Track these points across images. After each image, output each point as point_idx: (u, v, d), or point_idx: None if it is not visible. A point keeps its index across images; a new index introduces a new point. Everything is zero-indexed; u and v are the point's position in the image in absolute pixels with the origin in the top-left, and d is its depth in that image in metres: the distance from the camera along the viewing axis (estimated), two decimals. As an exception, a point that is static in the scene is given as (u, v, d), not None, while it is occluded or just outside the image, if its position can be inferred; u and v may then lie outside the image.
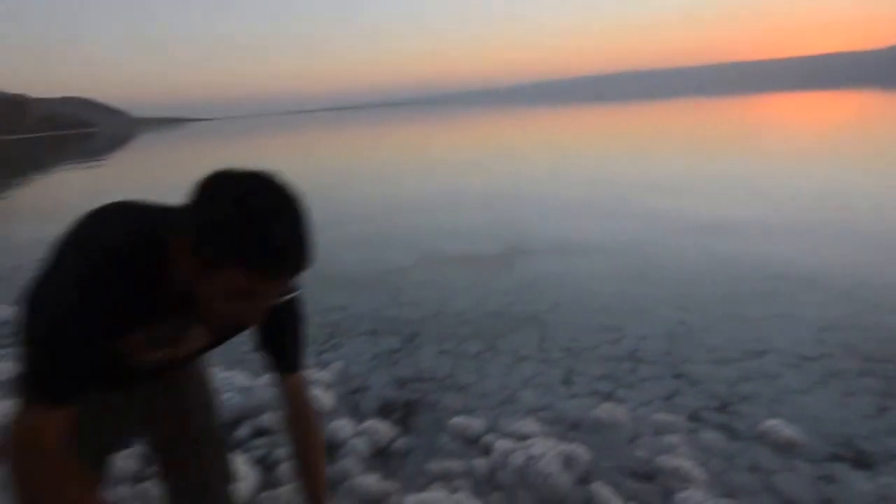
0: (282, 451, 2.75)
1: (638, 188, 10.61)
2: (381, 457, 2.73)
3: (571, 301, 4.82)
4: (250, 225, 0.87)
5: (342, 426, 2.92)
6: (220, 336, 1.21)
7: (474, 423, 2.91)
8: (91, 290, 0.94)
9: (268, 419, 3.04)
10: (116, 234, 1.00)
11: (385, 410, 3.19)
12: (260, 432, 2.96)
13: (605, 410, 2.96)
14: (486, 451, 2.66)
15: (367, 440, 2.81)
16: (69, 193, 18.40)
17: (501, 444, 2.61)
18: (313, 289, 4.83)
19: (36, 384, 0.95)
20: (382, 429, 2.90)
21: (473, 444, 2.78)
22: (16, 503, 0.93)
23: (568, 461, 2.47)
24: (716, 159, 14.53)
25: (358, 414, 3.14)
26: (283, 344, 1.25)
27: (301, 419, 1.26)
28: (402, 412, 3.16)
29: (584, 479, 2.43)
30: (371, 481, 2.44)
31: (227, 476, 1.50)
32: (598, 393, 3.25)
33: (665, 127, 29.56)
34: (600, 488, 2.30)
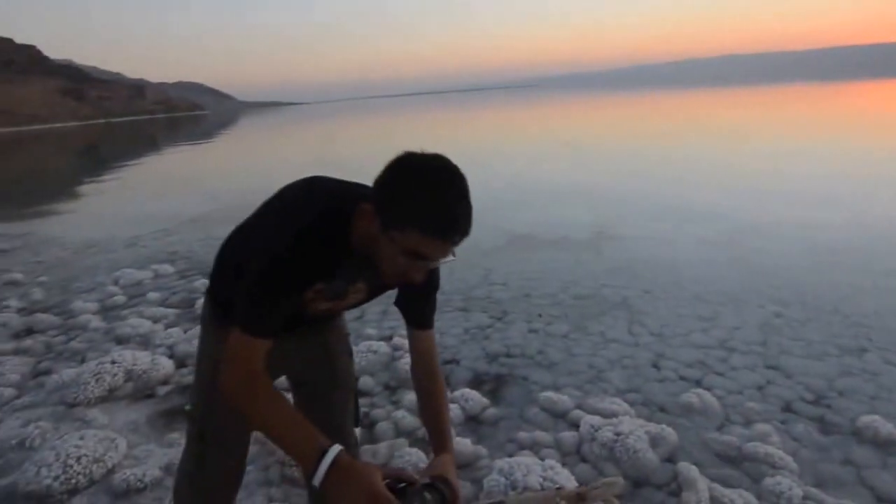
0: (380, 412, 3.00)
1: (739, 174, 10.17)
2: (473, 423, 2.92)
3: (663, 288, 4.80)
4: (429, 193, 1.04)
5: (436, 393, 3.12)
6: (375, 292, 1.40)
7: (562, 399, 3.03)
8: (304, 243, 1.13)
9: (363, 382, 3.30)
10: (320, 200, 1.22)
11: (476, 382, 3.37)
12: (360, 394, 3.23)
13: (695, 396, 2.99)
14: (574, 425, 2.79)
15: (459, 407, 3.00)
16: (183, 167, 19.83)
17: (589, 420, 2.73)
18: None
19: (252, 316, 1.15)
20: (474, 398, 3.08)
21: (561, 418, 2.91)
22: (226, 407, 1.18)
23: (655, 440, 2.56)
24: (827, 144, 13.60)
25: (450, 384, 3.34)
26: (422, 303, 1.40)
27: (428, 371, 1.43)
28: (492, 384, 3.34)
29: (671, 459, 2.51)
30: (464, 445, 2.63)
31: (356, 419, 1.72)
32: (688, 379, 3.28)
33: (770, 112, 27.78)
34: (687, 468, 2.37)
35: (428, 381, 1.42)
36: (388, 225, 1.07)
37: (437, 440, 1.36)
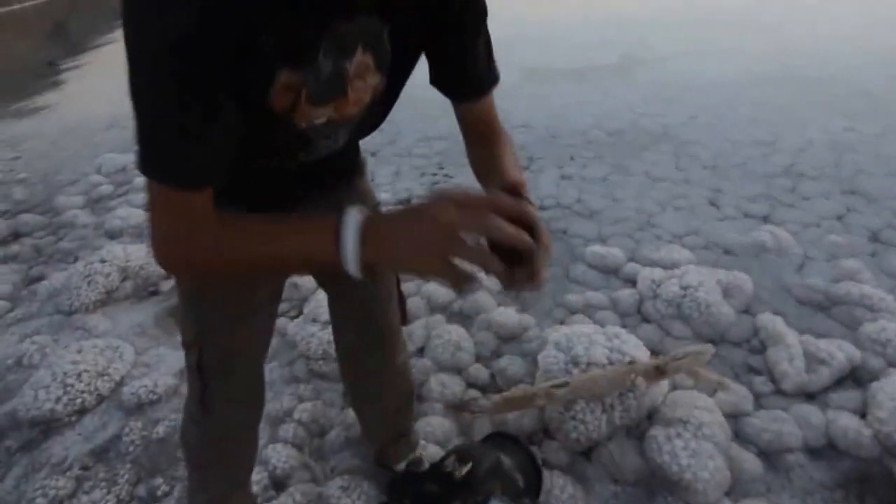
0: (408, 286, 2.74)
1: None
2: (512, 290, 2.64)
3: (709, 112, 4.30)
4: None
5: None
6: (395, 68, 0.88)
7: (612, 252, 2.72)
8: None
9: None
10: None
11: (510, 242, 3.06)
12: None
13: (766, 233, 2.66)
14: (631, 281, 2.50)
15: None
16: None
17: (647, 274, 2.43)
18: (412, 117, 4.66)
19: (164, 153, 0.69)
20: (511, 261, 2.78)
21: (614, 273, 2.62)
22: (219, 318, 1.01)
23: (728, 290, 2.27)
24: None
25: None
26: (468, 53, 0.93)
27: (487, 135, 0.99)
28: (528, 243, 3.02)
29: (749, 310, 2.23)
30: (507, 315, 2.37)
31: (402, 315, 1.37)
32: (754, 215, 2.93)
33: None
34: (770, 320, 2.10)
35: (488, 142, 0.99)
36: None
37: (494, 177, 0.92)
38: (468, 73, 0.96)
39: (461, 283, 0.62)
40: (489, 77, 0.98)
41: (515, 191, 0.69)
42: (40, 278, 3.39)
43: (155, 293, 3.06)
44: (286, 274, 0.82)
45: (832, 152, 3.44)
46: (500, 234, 0.60)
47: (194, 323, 1.16)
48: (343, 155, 1.00)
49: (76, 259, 3.54)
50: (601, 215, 3.15)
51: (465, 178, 3.81)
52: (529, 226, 0.62)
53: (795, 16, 6.63)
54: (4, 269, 3.54)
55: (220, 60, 0.65)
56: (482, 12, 0.92)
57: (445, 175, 3.97)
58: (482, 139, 0.99)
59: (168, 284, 3.10)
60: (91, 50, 18.78)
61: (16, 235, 4.14)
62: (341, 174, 1.15)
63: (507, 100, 5.31)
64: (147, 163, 0.69)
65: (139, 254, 3.17)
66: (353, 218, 0.67)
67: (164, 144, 0.69)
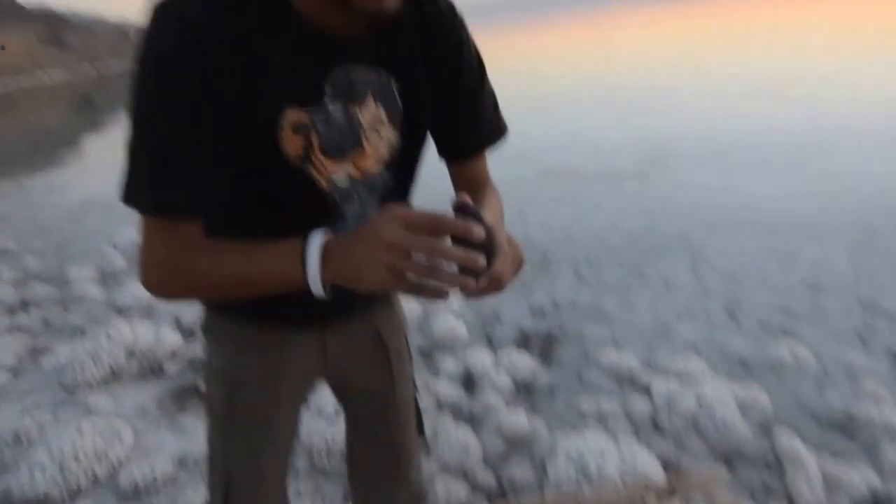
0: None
1: (804, 85, 9.45)
2: (526, 392, 2.68)
3: (728, 221, 4.44)
4: None
5: (478, 357, 2.88)
6: (408, 113, 0.90)
7: (626, 358, 2.77)
8: (176, 5, 0.72)
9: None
10: None
11: (523, 342, 3.12)
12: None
13: (785, 348, 2.70)
14: (645, 390, 2.53)
15: (507, 373, 2.76)
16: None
17: (663, 384, 2.47)
18: (428, 208, 4.84)
19: (153, 181, 0.74)
20: (523, 361, 2.84)
21: (628, 381, 2.65)
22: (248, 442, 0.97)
23: (745, 406, 2.29)
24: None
25: (494, 345, 3.10)
26: (467, 111, 0.94)
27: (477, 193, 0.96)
28: (542, 344, 3.08)
29: (766, 428, 2.25)
30: (518, 418, 2.40)
31: (419, 425, 1.31)
32: (772, 327, 2.98)
33: (826, 12, 26.15)
34: (788, 439, 2.11)
35: (477, 195, 0.97)
36: None
37: None
38: (471, 130, 0.97)
39: (419, 293, 0.66)
40: (494, 133, 0.99)
41: (466, 209, 0.69)
42: (46, 351, 3.46)
43: (159, 374, 3.11)
44: (256, 293, 0.83)
45: (852, 267, 3.52)
46: (441, 255, 0.63)
47: (223, 446, 1.13)
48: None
49: (83, 333, 3.62)
50: (616, 320, 3.22)
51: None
52: (481, 240, 0.64)
53: (817, 129, 6.91)
54: (10, 340, 3.63)
55: (213, 91, 0.72)
56: (479, 67, 0.95)
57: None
58: (473, 195, 0.94)
59: (173, 365, 3.16)
60: (114, 124, 19.77)
61: (25, 305, 4.25)
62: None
63: (524, 198, 5.53)
64: (125, 190, 0.75)
65: (146, 333, 3.25)
66: (317, 240, 0.71)
67: (141, 174, 0.74)
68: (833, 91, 8.68)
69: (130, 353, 3.14)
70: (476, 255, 0.63)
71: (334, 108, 0.80)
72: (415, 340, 3.12)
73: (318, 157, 0.82)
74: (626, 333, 3.07)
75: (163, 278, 0.80)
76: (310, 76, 0.78)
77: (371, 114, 0.84)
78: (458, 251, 0.63)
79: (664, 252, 4.02)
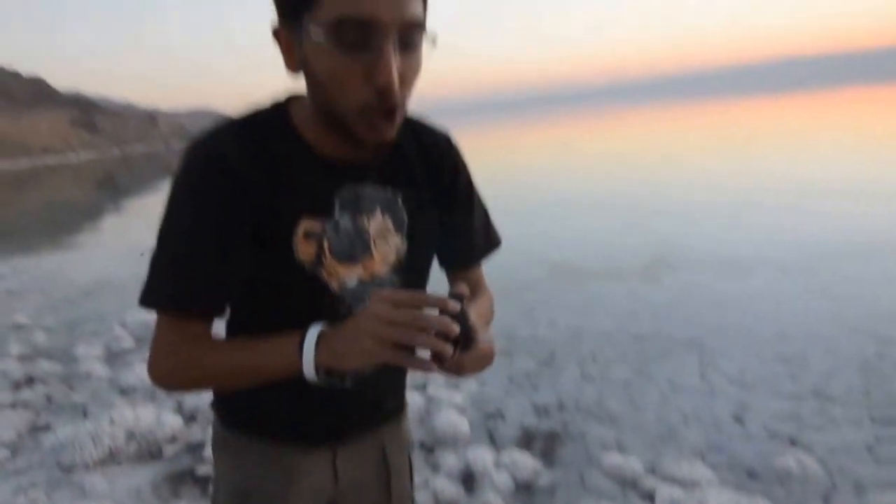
0: (416, 479, 2.76)
1: (815, 191, 9.67)
2: (526, 492, 2.66)
3: (737, 325, 4.48)
4: None
5: (480, 456, 2.88)
6: (414, 227, 0.98)
7: (630, 462, 2.76)
8: (220, 142, 0.85)
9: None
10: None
11: (526, 440, 3.11)
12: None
13: (792, 457, 2.68)
14: (649, 496, 2.51)
15: (508, 473, 2.75)
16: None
17: (667, 491, 2.45)
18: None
19: (165, 281, 0.86)
20: (524, 461, 2.83)
21: (631, 486, 2.63)
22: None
23: (750, 517, 2.26)
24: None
25: (496, 443, 3.10)
26: (464, 228, 1.05)
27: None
28: (544, 443, 3.07)
29: (772, 541, 2.21)
30: (516, 520, 2.38)
31: None
32: (780, 436, 2.97)
33: (841, 119, 27.03)
34: (794, 554, 2.08)
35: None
36: (296, 12, 0.77)
37: None
38: (466, 243, 1.07)
39: (402, 361, 0.73)
40: (487, 245, 1.10)
41: (458, 296, 0.77)
42: (47, 428, 3.49)
43: (158, 456, 3.12)
44: (253, 383, 0.88)
45: (862, 377, 3.52)
46: (418, 321, 0.70)
47: None
48: (389, 377, 1.06)
49: (86, 413, 3.66)
50: (621, 421, 3.22)
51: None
52: (455, 312, 0.73)
53: (831, 227, 7.03)
54: (12, 415, 3.67)
55: (233, 209, 0.84)
56: (472, 187, 1.07)
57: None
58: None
59: (172, 448, 3.17)
60: (134, 204, 20.40)
61: (30, 381, 4.31)
62: (387, 397, 1.12)
63: (533, 292, 5.63)
64: (143, 293, 0.86)
65: (148, 415, 3.28)
66: (315, 328, 0.80)
67: (160, 277, 0.85)
68: (844, 198, 8.88)
69: (130, 435, 3.17)
70: (449, 321, 0.71)
71: (343, 219, 0.90)
72: (416, 435, 3.13)
73: (330, 261, 0.90)
74: (630, 435, 3.06)
75: (170, 369, 0.89)
76: (320, 193, 0.89)
77: (378, 223, 0.94)
78: (434, 317, 0.71)
79: (671, 352, 4.05)
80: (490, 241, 1.11)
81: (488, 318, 1.04)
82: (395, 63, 0.75)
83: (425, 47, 0.81)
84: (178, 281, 0.85)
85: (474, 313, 0.80)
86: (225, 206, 0.84)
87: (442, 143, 1.03)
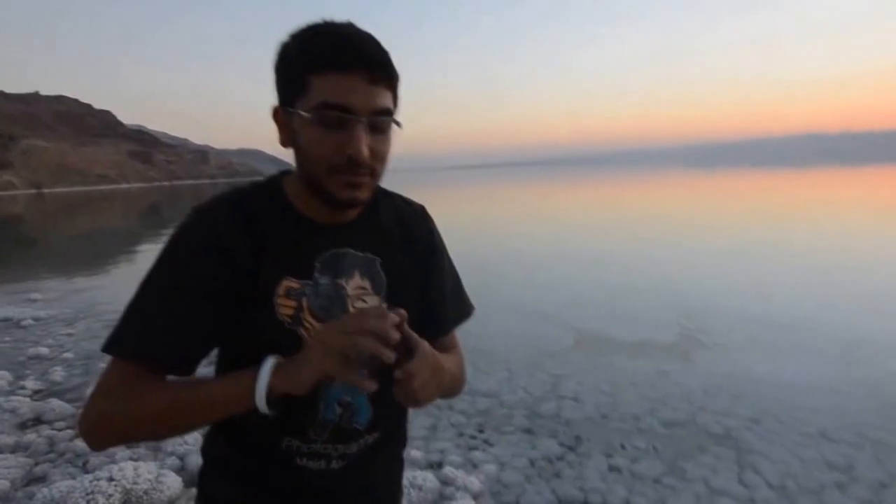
0: None
1: (861, 273, 9.14)
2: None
3: (775, 417, 4.10)
4: (305, 36, 0.88)
5: (495, 555, 2.56)
6: (391, 289, 1.01)
7: (662, 582, 2.40)
8: (212, 207, 0.93)
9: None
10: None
11: (546, 540, 2.78)
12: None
13: None
14: None
15: (525, 581, 2.42)
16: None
17: None
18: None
19: (125, 326, 0.88)
20: (544, 567, 2.49)
21: None
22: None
23: None
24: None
25: (513, 539, 2.77)
26: (434, 297, 1.08)
27: None
28: (566, 546, 2.73)
29: None
30: None
31: None
32: (831, 562, 2.59)
33: (880, 199, 26.31)
34: None
35: None
36: (289, 99, 0.89)
37: None
38: (439, 312, 1.09)
39: (349, 371, 0.79)
40: (458, 315, 1.13)
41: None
42: (43, 479, 3.27)
43: (150, 523, 2.86)
44: (195, 423, 0.86)
45: (919, 494, 3.12)
46: (365, 328, 0.78)
47: None
48: (379, 461, 1.04)
49: (85, 464, 3.44)
50: (652, 527, 2.87)
51: (504, 449, 3.63)
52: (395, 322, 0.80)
53: (875, 314, 6.57)
54: (10, 460, 3.46)
55: (215, 268, 0.88)
56: (441, 253, 1.12)
57: (485, 441, 3.80)
58: None
59: (166, 516, 2.91)
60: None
61: (37, 422, 4.12)
62: (378, 487, 1.08)
63: (558, 363, 5.30)
64: (107, 340, 0.88)
65: (149, 475, 3.05)
66: (271, 359, 0.83)
67: (124, 325, 0.88)
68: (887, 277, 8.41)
69: (126, 497, 2.93)
70: (388, 327, 0.78)
71: (323, 280, 0.95)
72: (427, 522, 2.82)
73: (309, 319, 0.93)
74: (662, 546, 2.71)
75: (105, 410, 0.85)
76: (303, 255, 0.95)
77: (357, 285, 0.98)
78: (375, 323, 0.78)
79: (707, 447, 3.68)
80: (461, 309, 1.14)
81: (454, 371, 1.03)
82: (364, 140, 0.86)
83: (394, 130, 0.91)
84: (137, 329, 0.88)
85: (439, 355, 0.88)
86: (205, 267, 0.88)
87: (418, 214, 1.11)
